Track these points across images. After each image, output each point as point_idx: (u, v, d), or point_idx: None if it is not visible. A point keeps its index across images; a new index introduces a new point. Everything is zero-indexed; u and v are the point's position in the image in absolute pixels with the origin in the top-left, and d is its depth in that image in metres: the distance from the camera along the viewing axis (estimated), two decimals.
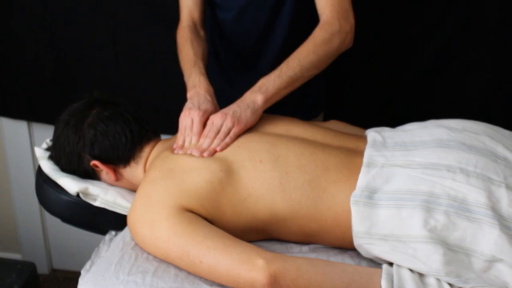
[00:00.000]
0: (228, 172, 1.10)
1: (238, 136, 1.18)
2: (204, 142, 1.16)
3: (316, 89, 1.56)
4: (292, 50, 1.27)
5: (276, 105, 1.26)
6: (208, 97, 1.25)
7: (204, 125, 1.20)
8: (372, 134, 1.19)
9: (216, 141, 1.16)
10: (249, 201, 1.08)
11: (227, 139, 1.16)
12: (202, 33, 1.45)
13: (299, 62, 1.24)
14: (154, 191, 1.08)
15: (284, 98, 1.27)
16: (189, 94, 1.27)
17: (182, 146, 1.18)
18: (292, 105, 1.47)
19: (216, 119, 1.18)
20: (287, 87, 1.24)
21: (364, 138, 1.21)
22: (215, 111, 1.23)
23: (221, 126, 1.17)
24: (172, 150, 1.19)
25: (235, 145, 1.16)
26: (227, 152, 1.14)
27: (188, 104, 1.23)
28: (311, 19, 1.32)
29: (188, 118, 1.20)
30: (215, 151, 1.15)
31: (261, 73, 1.27)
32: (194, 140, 1.18)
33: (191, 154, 1.15)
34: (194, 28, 1.43)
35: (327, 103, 1.68)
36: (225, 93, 1.29)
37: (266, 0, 1.37)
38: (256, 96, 1.21)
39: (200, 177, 1.08)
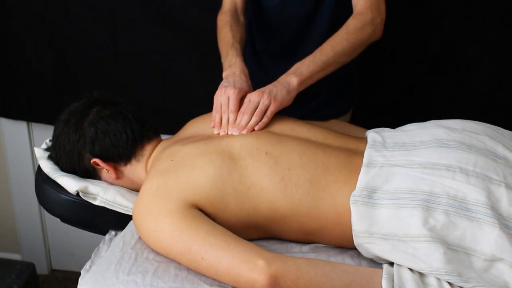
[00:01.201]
0: (236, 158, 1.11)
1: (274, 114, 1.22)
2: (242, 119, 1.19)
3: (349, 85, 1.59)
4: None
5: (309, 96, 1.32)
6: (244, 77, 1.28)
7: (239, 103, 1.23)
8: (372, 134, 1.19)
9: (254, 119, 1.19)
10: (252, 192, 1.08)
11: (265, 118, 1.20)
12: (242, 19, 1.48)
13: (332, 48, 1.29)
14: (162, 182, 1.09)
15: (317, 90, 1.34)
16: (224, 74, 1.30)
17: (220, 124, 1.21)
18: (324, 99, 1.53)
19: (253, 97, 1.21)
20: (320, 71, 1.28)
21: (364, 139, 1.21)
22: (249, 90, 1.26)
23: (258, 103, 1.20)
24: (177, 144, 1.19)
25: (243, 135, 1.18)
26: (236, 140, 1.15)
27: (223, 83, 1.26)
28: (351, 10, 1.37)
29: (224, 95, 1.23)
30: (253, 129, 1.18)
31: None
32: (231, 118, 1.20)
33: (198, 144, 1.16)
34: (235, 13, 1.46)
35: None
36: (261, 82, 1.31)
37: None
38: (291, 78, 1.25)
39: (210, 163, 1.09)
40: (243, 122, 1.19)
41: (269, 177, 1.09)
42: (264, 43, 1.54)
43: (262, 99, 1.20)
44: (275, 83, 1.25)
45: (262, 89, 1.23)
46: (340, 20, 1.36)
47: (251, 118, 1.19)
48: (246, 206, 1.08)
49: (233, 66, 1.30)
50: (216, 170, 1.08)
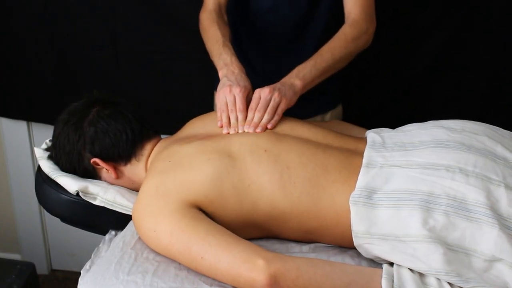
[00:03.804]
0: (234, 157, 1.11)
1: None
2: (256, 116, 1.18)
3: (329, 86, 1.58)
4: (328, 39, 1.37)
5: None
6: (244, 76, 1.26)
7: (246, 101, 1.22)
8: (372, 135, 1.19)
9: (266, 117, 1.18)
10: (252, 189, 1.08)
11: (276, 116, 1.20)
12: (225, 18, 1.47)
13: (332, 55, 1.32)
14: (160, 183, 1.09)
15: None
16: (221, 73, 1.28)
17: (228, 123, 1.19)
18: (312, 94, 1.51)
19: (264, 93, 1.20)
20: (320, 76, 1.31)
21: (363, 140, 1.21)
22: (252, 89, 1.25)
23: (270, 100, 1.20)
24: (176, 144, 1.19)
25: (243, 133, 1.17)
26: (236, 138, 1.15)
27: (225, 82, 1.24)
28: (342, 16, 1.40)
29: (230, 94, 1.21)
30: (266, 128, 1.18)
31: (297, 60, 1.32)
32: (240, 117, 1.19)
33: (196, 143, 1.15)
34: (219, 12, 1.45)
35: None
36: (250, 78, 1.30)
37: None
38: (295, 81, 1.26)
39: (208, 162, 1.09)
40: (257, 119, 1.18)
41: (268, 174, 1.09)
42: (255, 44, 1.52)
43: (273, 96, 1.20)
44: (280, 83, 1.25)
45: (272, 86, 1.22)
46: (331, 25, 1.38)
47: (263, 115, 1.18)
48: (245, 204, 1.08)
49: (229, 65, 1.28)
50: (215, 169, 1.08)
